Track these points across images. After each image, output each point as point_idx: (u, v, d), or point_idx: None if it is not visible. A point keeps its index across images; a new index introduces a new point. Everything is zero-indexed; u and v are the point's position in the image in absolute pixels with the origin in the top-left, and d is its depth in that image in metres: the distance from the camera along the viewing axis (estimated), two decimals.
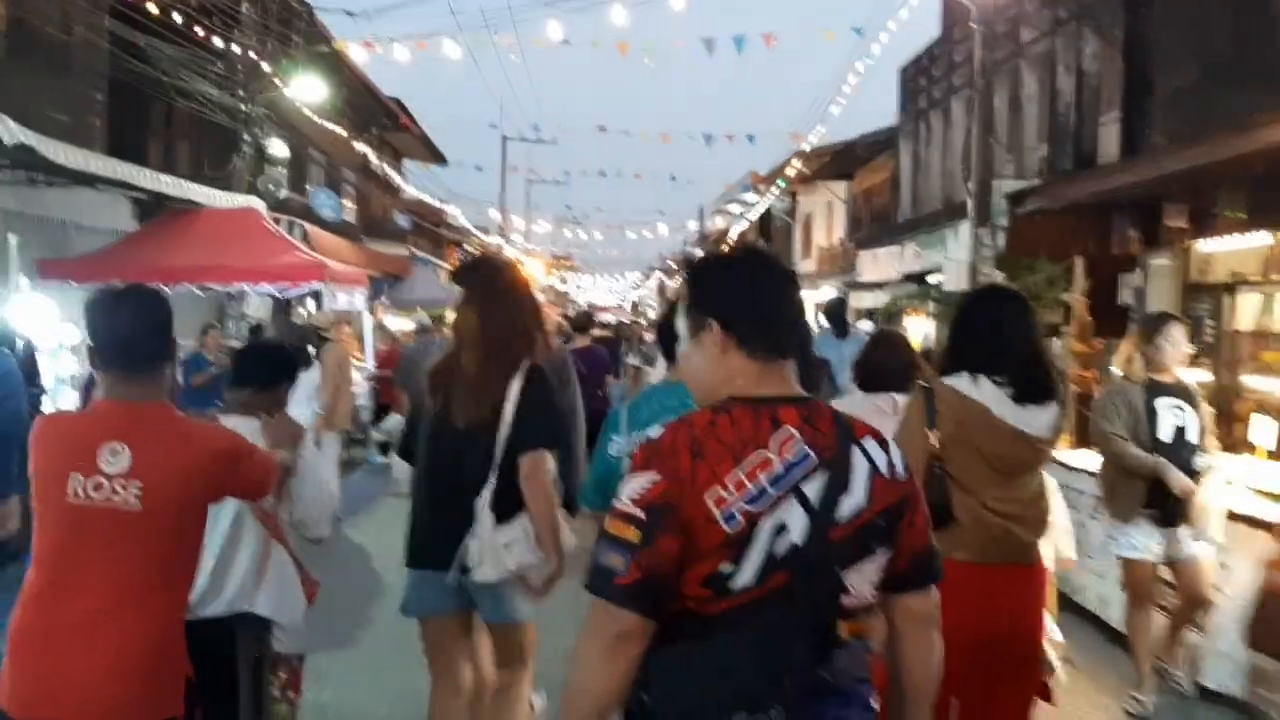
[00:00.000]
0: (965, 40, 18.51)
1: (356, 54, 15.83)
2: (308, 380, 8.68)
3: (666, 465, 1.78)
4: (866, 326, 18.00)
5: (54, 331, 8.34)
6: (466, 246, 42.05)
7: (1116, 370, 5.38)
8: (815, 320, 23.04)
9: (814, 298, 30.32)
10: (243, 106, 13.75)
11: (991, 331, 3.17)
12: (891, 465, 1.90)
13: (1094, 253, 9.97)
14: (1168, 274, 10.23)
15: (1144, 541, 4.94)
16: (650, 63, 14.03)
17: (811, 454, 1.81)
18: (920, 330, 11.02)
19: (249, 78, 13.84)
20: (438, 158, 31.45)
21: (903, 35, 15.47)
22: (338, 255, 16.10)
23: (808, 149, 22.45)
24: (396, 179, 23.76)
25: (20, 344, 6.94)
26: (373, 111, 21.73)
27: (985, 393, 3.10)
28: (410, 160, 31.56)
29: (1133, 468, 4.86)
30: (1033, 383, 3.12)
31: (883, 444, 1.93)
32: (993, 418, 3.08)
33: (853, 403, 4.10)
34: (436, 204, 31.47)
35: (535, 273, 57.24)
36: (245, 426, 3.16)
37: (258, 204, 12.97)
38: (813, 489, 1.79)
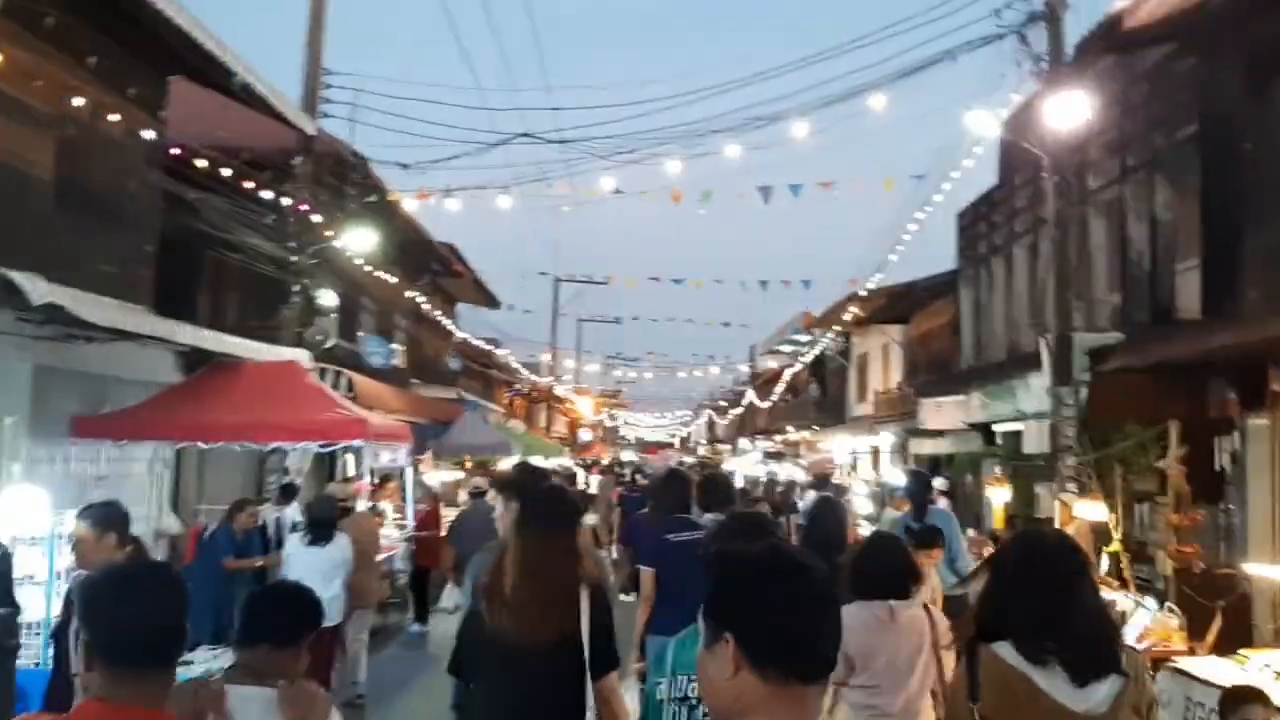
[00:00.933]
0: (1026, 186, 18.15)
1: (410, 204, 15.79)
2: (328, 556, 8.11)
3: None
4: (939, 483, 17.45)
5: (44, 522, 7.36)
6: (517, 386, 42.00)
7: None
8: (876, 466, 21.98)
9: (872, 442, 29.89)
10: (293, 258, 13.58)
11: (1044, 591, 2.83)
12: None
13: (1185, 413, 9.23)
14: (1267, 437, 9.44)
15: None
16: (705, 212, 13.73)
17: None
18: (1001, 498, 10.24)
19: (300, 229, 13.73)
20: (490, 301, 31.50)
21: (962, 181, 15.16)
22: (384, 403, 15.75)
23: (864, 293, 22.04)
24: (449, 324, 23.59)
25: None
26: (425, 258, 21.73)
27: (1035, 664, 2.79)
28: (462, 304, 31.65)
29: None
30: (1092, 657, 2.79)
31: None
32: (1041, 696, 2.75)
33: (848, 612, 3.60)
34: (487, 346, 31.43)
35: (584, 410, 57.22)
36: (258, 699, 2.57)
37: (302, 356, 12.66)
38: None
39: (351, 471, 11.09)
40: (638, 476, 26.20)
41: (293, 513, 10.70)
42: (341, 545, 8.24)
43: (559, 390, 47.44)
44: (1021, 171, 18.28)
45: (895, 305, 25.45)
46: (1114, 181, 14.41)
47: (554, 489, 4.60)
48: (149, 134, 12.15)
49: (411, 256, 20.67)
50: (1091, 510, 8.26)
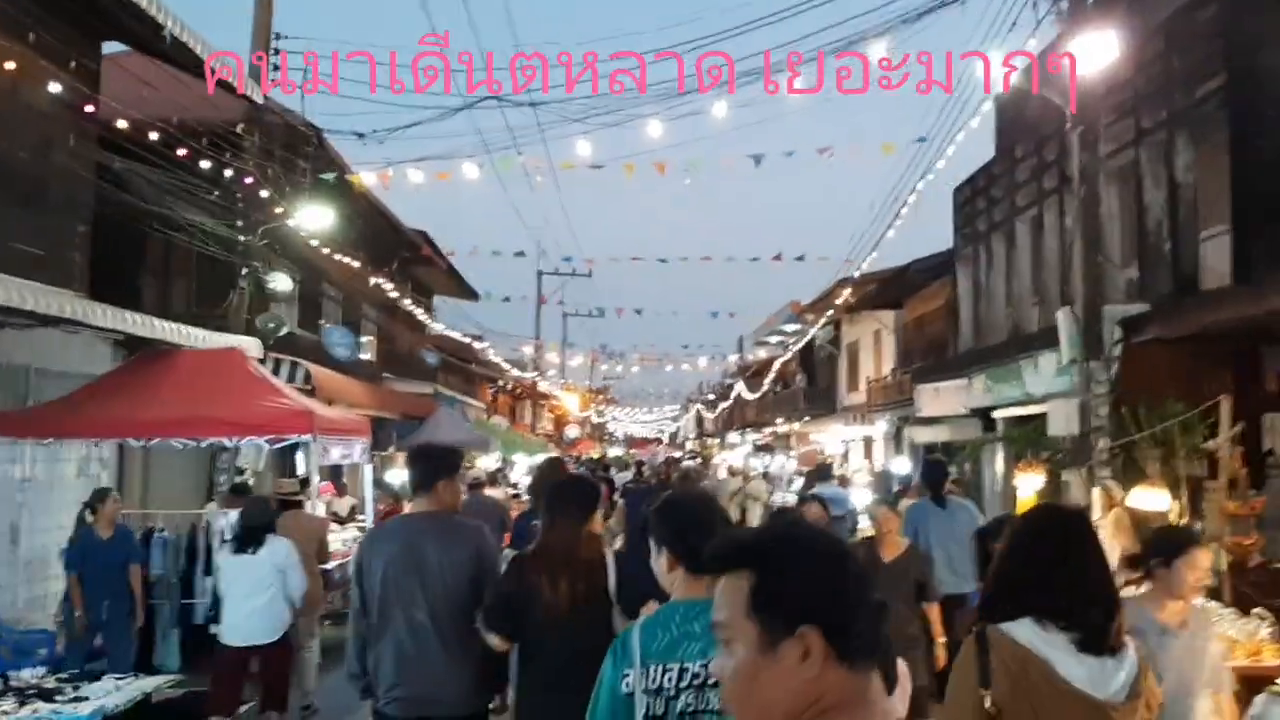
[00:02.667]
0: (1028, 158, 17.18)
1: (374, 182, 14.69)
2: (257, 564, 7.02)
3: None
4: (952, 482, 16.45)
5: None
6: (501, 382, 40.89)
7: None
8: (869, 456, 20.94)
9: (865, 432, 29.01)
10: (241, 238, 12.47)
11: (1057, 564, 2.73)
12: None
13: (1232, 388, 8.22)
14: None
15: None
16: (690, 182, 12.71)
17: None
18: (1032, 486, 9.18)
19: (249, 207, 12.62)
20: (469, 293, 30.40)
21: (960, 153, 14.14)
22: (346, 397, 14.65)
23: (856, 275, 21.08)
24: (420, 314, 22.48)
25: None
26: (393, 242, 20.59)
27: (1051, 643, 2.64)
28: (440, 296, 30.57)
29: None
30: (1105, 631, 2.65)
31: None
32: (1057, 680, 2.60)
33: None
34: (466, 340, 30.32)
35: (571, 406, 56.20)
36: None
37: (252, 344, 11.57)
38: None
39: (301, 470, 10.01)
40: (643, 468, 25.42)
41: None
42: (275, 551, 7.19)
43: (544, 386, 46.32)
44: (1024, 140, 17.33)
45: (888, 290, 24.53)
46: (1128, 144, 13.40)
47: (574, 477, 5.93)
48: (79, 103, 11.05)
49: (377, 240, 19.54)
50: (1150, 499, 7.25)
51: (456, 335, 29.19)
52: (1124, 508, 7.53)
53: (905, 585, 6.57)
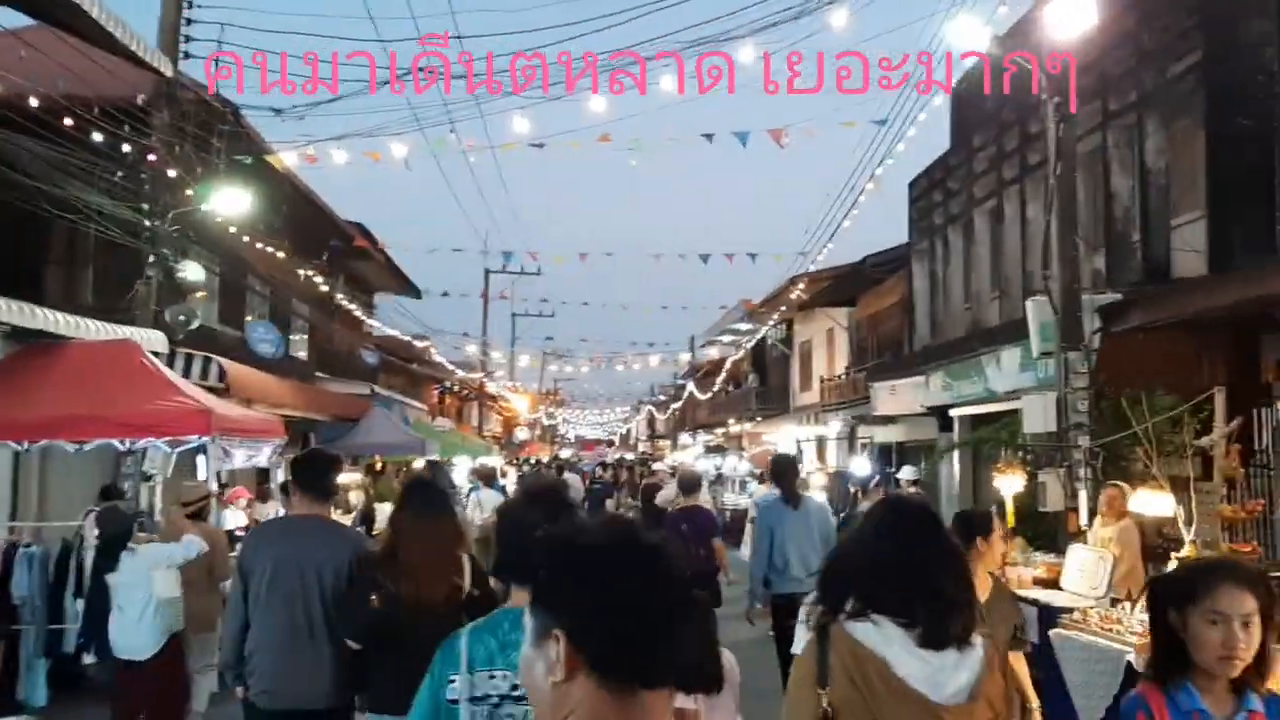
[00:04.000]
0: (986, 148, 16.59)
1: (298, 162, 13.68)
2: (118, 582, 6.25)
3: None
4: (908, 473, 15.70)
5: None
6: (448, 384, 39.75)
7: None
8: (822, 456, 20.15)
9: (817, 432, 28.43)
10: (147, 223, 11.41)
11: (896, 558, 2.58)
12: None
13: (1223, 380, 7.53)
14: None
15: None
16: (636, 164, 11.90)
17: None
18: (1011, 488, 8.38)
19: (157, 189, 11.56)
20: (410, 289, 29.32)
21: (908, 151, 13.46)
22: (266, 396, 13.63)
23: (811, 269, 20.42)
24: (357, 311, 21.43)
25: None
26: (324, 234, 19.50)
27: (889, 640, 2.49)
28: (381, 294, 29.48)
29: None
30: (944, 627, 2.47)
31: None
32: (893, 679, 2.44)
33: None
34: (407, 339, 29.26)
35: (521, 408, 55.13)
36: None
37: (154, 338, 10.55)
38: None
39: (202, 474, 9.01)
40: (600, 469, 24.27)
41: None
42: (133, 568, 6.41)
43: (492, 388, 45.22)
44: (982, 130, 16.74)
45: (842, 285, 23.94)
46: (1095, 129, 12.80)
47: (427, 480, 6.22)
48: None
49: (307, 230, 18.45)
50: (1152, 503, 6.51)
51: (396, 334, 28.10)
52: (1134, 516, 6.82)
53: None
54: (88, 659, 6.83)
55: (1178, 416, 7.15)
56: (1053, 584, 7.14)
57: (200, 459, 8.81)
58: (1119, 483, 7.19)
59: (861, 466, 16.40)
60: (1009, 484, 8.06)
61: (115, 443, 8.44)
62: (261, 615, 4.65)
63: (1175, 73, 11.34)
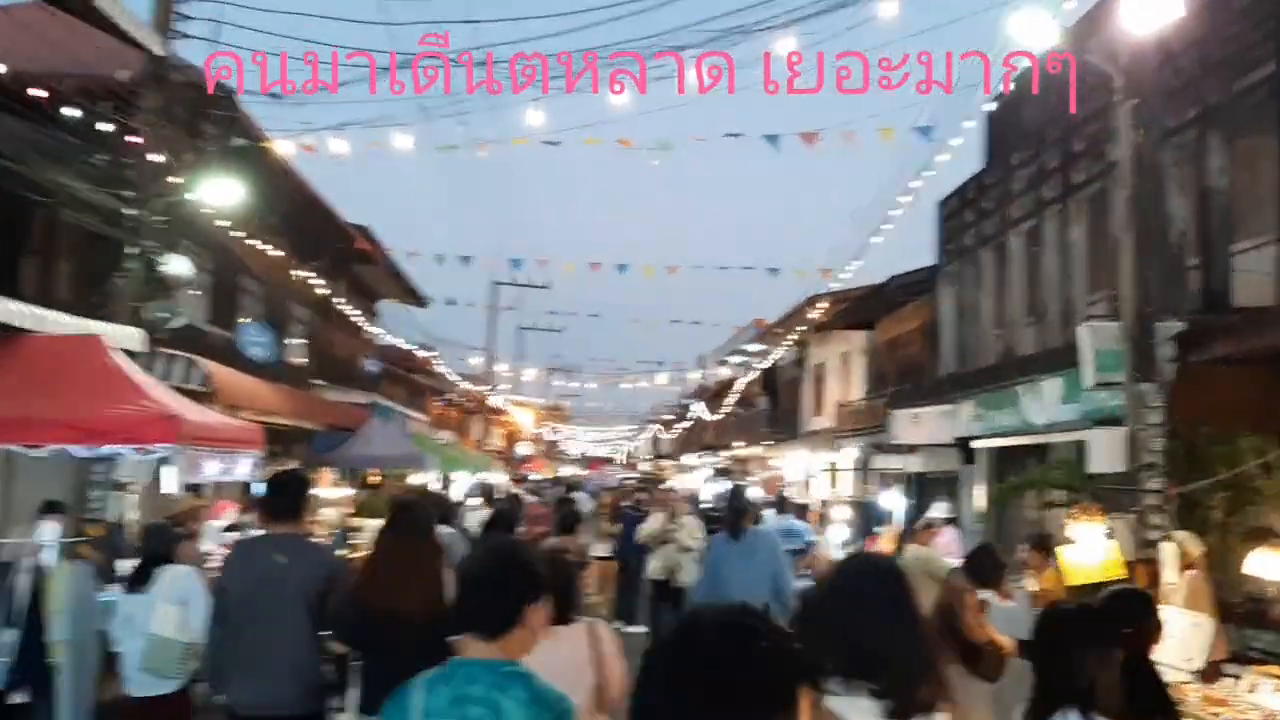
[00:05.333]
0: (1025, 166, 15.76)
1: (296, 152, 12.89)
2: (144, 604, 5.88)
3: None
4: (940, 509, 14.64)
5: None
6: (449, 395, 38.88)
7: None
8: (834, 484, 19.11)
9: (831, 459, 27.44)
10: (128, 210, 10.59)
11: (863, 623, 2.53)
12: None
13: None
14: None
15: None
16: (657, 163, 11.12)
17: None
18: (1094, 540, 7.43)
19: (142, 176, 10.75)
20: (416, 299, 28.54)
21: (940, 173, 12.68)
22: (254, 402, 12.80)
23: (829, 288, 19.59)
24: (353, 314, 20.61)
25: None
26: (326, 234, 18.70)
27: (858, 709, 2.43)
28: (386, 300, 28.72)
29: None
30: (910, 695, 2.44)
31: None
32: None
33: None
34: (410, 348, 28.46)
35: (524, 423, 54.16)
36: None
37: (130, 336, 9.72)
38: None
39: (167, 487, 8.19)
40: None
41: (52, 535, 7.80)
42: (162, 592, 5.89)
43: (495, 401, 44.34)
44: (1020, 148, 15.90)
45: (863, 307, 23.07)
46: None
47: (414, 500, 6.80)
48: None
49: (308, 230, 17.64)
50: (1271, 565, 5.60)
51: (400, 342, 27.30)
52: (1203, 571, 5.96)
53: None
54: (18, 698, 5.95)
55: (1270, 462, 6.28)
56: None
57: (164, 470, 7.98)
58: (1178, 532, 6.27)
59: (891, 500, 15.49)
60: (1090, 536, 6.96)
61: (70, 449, 7.57)
62: (239, 628, 4.88)
63: (1243, 86, 10.50)
